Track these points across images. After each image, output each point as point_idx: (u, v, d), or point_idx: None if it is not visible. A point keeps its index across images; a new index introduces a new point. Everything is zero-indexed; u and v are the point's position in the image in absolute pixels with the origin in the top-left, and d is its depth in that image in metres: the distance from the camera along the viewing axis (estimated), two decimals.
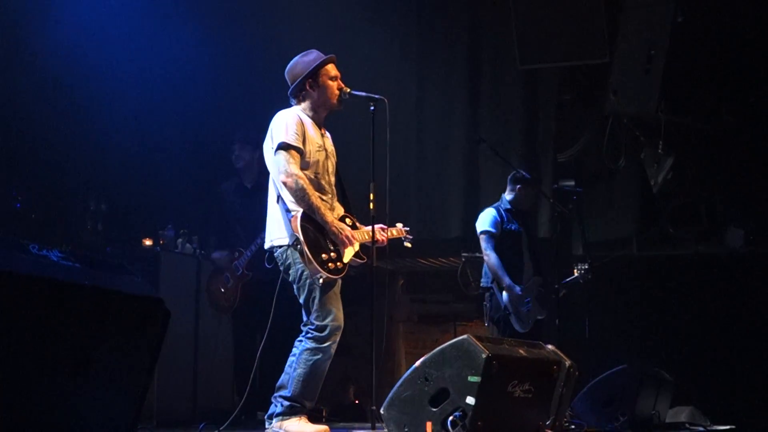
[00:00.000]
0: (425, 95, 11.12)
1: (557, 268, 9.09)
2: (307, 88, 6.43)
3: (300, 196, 6.12)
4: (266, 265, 6.51)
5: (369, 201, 6.27)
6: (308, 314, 6.25)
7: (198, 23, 10.07)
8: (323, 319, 6.18)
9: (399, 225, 6.89)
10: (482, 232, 8.95)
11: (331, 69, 6.45)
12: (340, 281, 6.38)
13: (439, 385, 5.53)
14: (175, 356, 8.66)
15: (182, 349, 8.83)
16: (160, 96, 9.90)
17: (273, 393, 6.35)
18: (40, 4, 9.18)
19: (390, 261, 10.77)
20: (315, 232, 6.16)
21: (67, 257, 3.27)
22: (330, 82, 6.41)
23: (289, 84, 6.48)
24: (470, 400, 5.35)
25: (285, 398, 6.20)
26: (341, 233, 6.21)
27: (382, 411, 5.77)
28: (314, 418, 6.50)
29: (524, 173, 9.14)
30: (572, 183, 10.31)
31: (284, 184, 6.16)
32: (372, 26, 10.72)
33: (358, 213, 6.66)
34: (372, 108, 6.37)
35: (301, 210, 6.15)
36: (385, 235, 6.52)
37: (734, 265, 10.40)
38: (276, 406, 6.24)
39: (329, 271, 6.13)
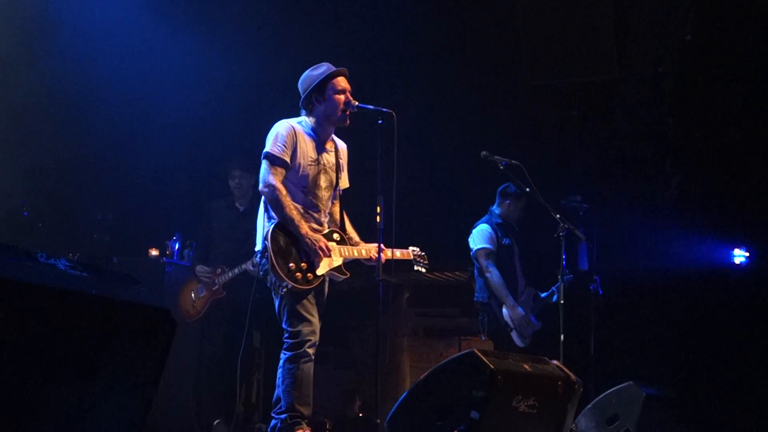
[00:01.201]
0: (433, 110, 11.12)
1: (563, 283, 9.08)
2: (314, 101, 6.46)
3: (274, 206, 6.25)
4: (251, 267, 6.54)
5: (376, 215, 6.26)
6: (281, 321, 6.31)
7: (207, 38, 10.08)
8: (296, 326, 6.25)
9: (411, 248, 6.91)
10: (480, 249, 8.95)
11: (339, 82, 6.45)
12: (323, 294, 6.45)
13: (443, 399, 5.52)
14: (180, 367, 8.67)
15: (187, 360, 8.83)
16: (169, 107, 9.91)
17: (271, 407, 6.38)
18: (53, 19, 9.21)
19: (396, 274, 10.77)
20: (287, 242, 6.24)
21: (74, 266, 3.28)
22: (336, 96, 6.42)
23: (301, 95, 6.51)
24: (475, 414, 5.34)
25: (282, 413, 6.22)
26: (315, 244, 6.24)
27: (386, 424, 5.77)
28: (319, 431, 6.50)
29: (513, 186, 9.13)
30: (579, 198, 10.30)
31: (262, 193, 6.33)
32: (380, 40, 10.73)
33: (363, 227, 6.66)
34: (380, 122, 6.36)
35: (277, 219, 6.22)
36: (385, 254, 6.46)
37: (741, 282, 10.39)
38: (276, 421, 6.25)
39: (295, 280, 6.18)
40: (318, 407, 6.41)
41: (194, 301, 8.75)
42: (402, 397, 5.77)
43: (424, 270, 7.00)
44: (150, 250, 9.36)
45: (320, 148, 6.49)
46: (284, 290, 6.17)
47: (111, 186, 10.21)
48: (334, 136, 6.66)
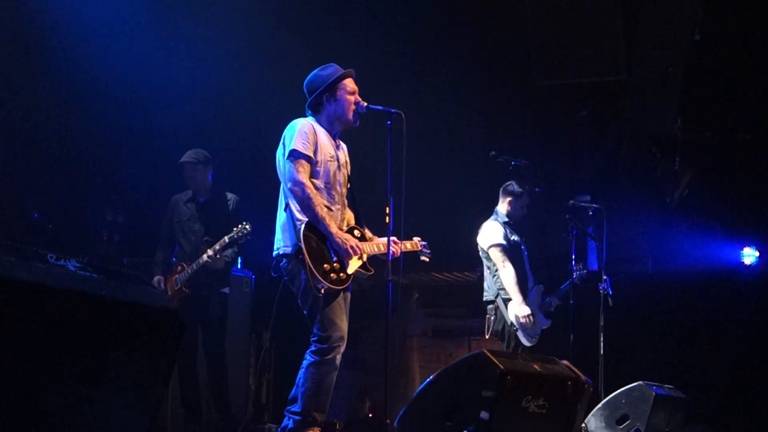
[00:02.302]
0: (442, 110, 11.13)
1: (572, 283, 9.10)
2: (324, 101, 6.44)
3: (306, 205, 6.14)
4: (272, 273, 6.48)
5: (385, 215, 6.26)
6: (312, 325, 6.24)
7: (215, 40, 10.11)
8: (326, 330, 6.17)
9: (416, 239, 6.89)
10: (494, 245, 8.92)
11: (349, 83, 6.45)
12: (348, 293, 6.42)
13: (453, 400, 5.52)
14: (190, 368, 8.68)
15: (197, 361, 8.83)
16: (179, 110, 9.94)
17: (285, 405, 6.37)
18: (57, 19, 9.24)
19: (405, 275, 10.79)
20: (318, 242, 6.16)
21: (84, 267, 3.28)
22: (347, 97, 6.41)
23: (307, 97, 6.50)
24: (484, 414, 5.34)
25: (296, 413, 6.19)
26: (345, 243, 6.18)
27: (396, 425, 5.78)
28: None
29: (515, 185, 9.13)
30: (588, 198, 10.30)
31: (291, 192, 6.19)
32: (388, 41, 10.74)
33: (374, 226, 6.66)
34: (389, 122, 6.36)
35: (306, 219, 6.16)
36: (398, 247, 6.49)
37: (751, 282, 10.38)
38: (288, 420, 6.24)
39: (331, 281, 6.11)
40: (328, 408, 6.40)
41: None
42: (412, 397, 5.77)
43: (427, 259, 6.97)
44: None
45: (335, 145, 6.49)
46: (321, 292, 6.11)
47: (121, 188, 10.23)
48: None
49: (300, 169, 6.18)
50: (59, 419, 3.13)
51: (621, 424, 7.57)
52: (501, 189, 9.24)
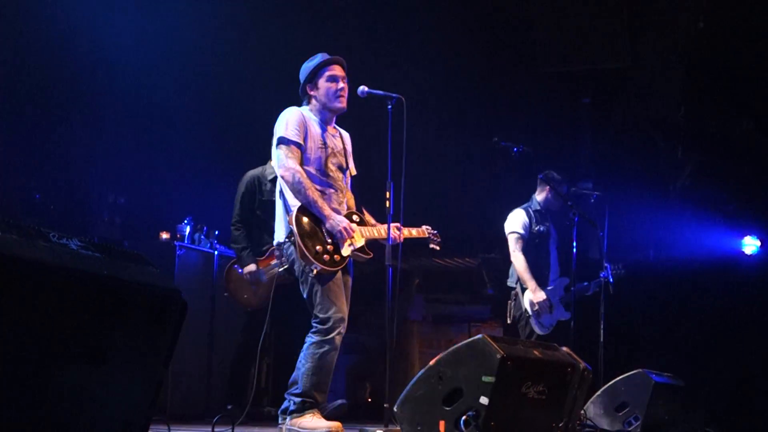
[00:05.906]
0: (445, 95, 11.11)
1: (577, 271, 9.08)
2: (308, 91, 6.54)
3: (297, 189, 6.21)
4: (277, 261, 6.43)
5: (386, 199, 6.27)
6: (311, 308, 6.28)
7: (215, 18, 10.09)
8: (325, 312, 6.20)
9: (424, 227, 6.93)
10: (511, 233, 8.96)
11: (332, 70, 6.50)
12: (348, 277, 6.48)
13: (453, 385, 5.52)
14: (190, 349, 8.69)
15: (197, 343, 8.85)
16: (182, 89, 9.93)
17: (285, 389, 6.37)
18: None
19: (405, 260, 10.78)
20: (311, 225, 6.23)
21: (86, 246, 3.27)
22: (327, 84, 6.48)
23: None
24: (484, 400, 5.34)
25: (296, 395, 6.21)
26: (338, 225, 6.24)
27: (395, 409, 5.78)
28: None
29: (554, 173, 9.09)
30: (590, 186, 10.28)
31: (282, 178, 6.28)
32: (392, 25, 10.71)
33: (374, 211, 6.67)
34: (389, 107, 6.39)
35: (299, 204, 6.23)
36: (399, 233, 6.50)
37: (751, 271, 10.37)
38: (289, 402, 6.26)
39: (324, 263, 6.16)
40: (328, 389, 6.40)
41: (255, 290, 8.45)
42: (411, 382, 5.78)
43: (438, 248, 7.02)
44: (161, 234, 9.37)
45: (325, 133, 6.51)
46: (313, 273, 6.15)
47: (122, 170, 10.23)
48: (336, 125, 6.68)
49: (289, 155, 6.26)
50: (61, 397, 3.13)
51: (620, 412, 7.57)
52: (540, 176, 9.17)
